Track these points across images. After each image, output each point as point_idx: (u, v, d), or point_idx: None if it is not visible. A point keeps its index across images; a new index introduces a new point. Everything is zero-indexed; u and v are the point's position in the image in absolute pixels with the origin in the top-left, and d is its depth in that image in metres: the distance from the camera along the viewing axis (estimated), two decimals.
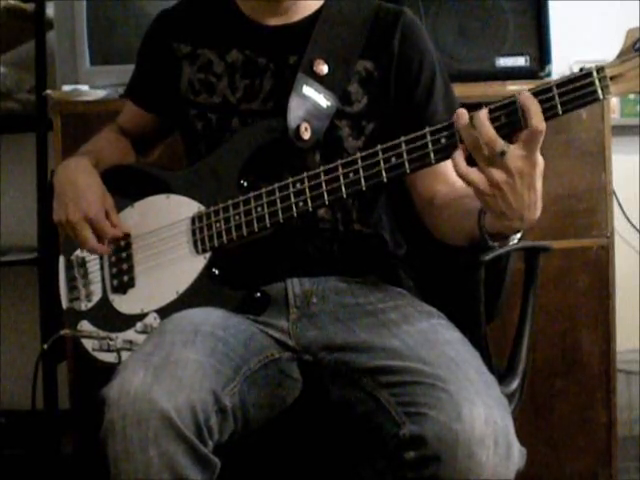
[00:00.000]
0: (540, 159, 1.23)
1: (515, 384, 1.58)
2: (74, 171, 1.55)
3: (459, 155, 1.26)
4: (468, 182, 1.25)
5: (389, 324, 1.40)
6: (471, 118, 1.24)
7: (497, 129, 1.22)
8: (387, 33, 1.52)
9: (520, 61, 2.18)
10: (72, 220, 1.51)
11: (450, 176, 1.48)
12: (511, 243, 1.34)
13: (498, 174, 1.22)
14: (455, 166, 1.26)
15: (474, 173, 1.24)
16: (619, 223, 2.50)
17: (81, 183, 1.53)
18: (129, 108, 1.72)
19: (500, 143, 1.21)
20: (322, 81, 1.49)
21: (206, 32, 1.57)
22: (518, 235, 1.33)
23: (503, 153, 1.21)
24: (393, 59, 1.52)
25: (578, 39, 2.55)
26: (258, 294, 1.46)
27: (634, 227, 2.64)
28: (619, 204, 2.53)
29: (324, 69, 1.50)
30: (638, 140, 2.63)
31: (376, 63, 1.52)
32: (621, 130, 2.51)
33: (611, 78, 1.20)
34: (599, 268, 2.18)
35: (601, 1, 2.58)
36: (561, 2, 2.41)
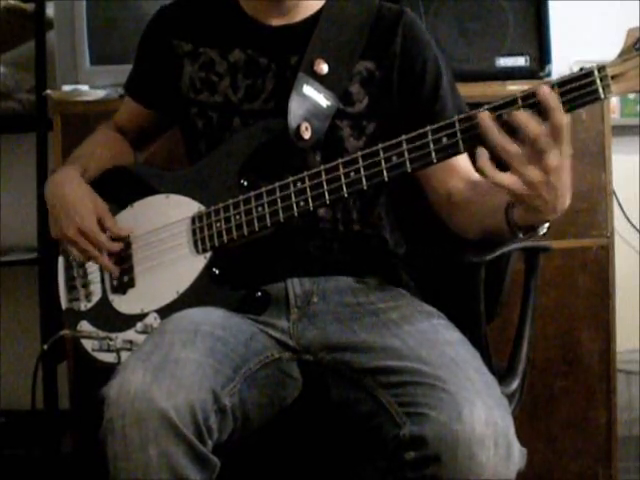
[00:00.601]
0: (569, 149, 1.22)
1: (515, 384, 1.58)
2: (62, 185, 1.55)
3: (486, 159, 1.23)
4: (501, 186, 1.23)
5: (389, 324, 1.40)
6: (499, 119, 1.22)
7: None
8: (388, 33, 1.52)
9: (520, 61, 2.18)
10: (67, 235, 1.52)
11: (464, 170, 1.48)
12: (541, 233, 1.32)
13: (535, 173, 1.20)
14: (484, 172, 1.23)
15: (508, 177, 1.22)
16: (619, 223, 2.50)
17: (70, 196, 1.53)
18: (127, 104, 1.71)
19: (545, 139, 1.19)
20: (322, 81, 1.49)
21: (208, 31, 1.56)
22: (547, 225, 1.31)
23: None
24: (395, 59, 1.52)
25: (578, 39, 2.55)
26: (259, 294, 1.46)
27: (634, 227, 2.63)
28: (619, 204, 2.53)
29: (324, 69, 1.50)
30: (638, 140, 2.63)
31: (378, 63, 1.52)
32: (621, 130, 2.51)
33: (612, 77, 1.20)
34: (599, 268, 2.18)
35: (601, 1, 2.58)
36: (561, 2, 2.41)
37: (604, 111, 2.16)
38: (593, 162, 2.16)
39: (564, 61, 2.39)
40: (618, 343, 2.21)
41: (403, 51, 1.52)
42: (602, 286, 2.18)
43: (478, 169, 1.24)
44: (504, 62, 2.18)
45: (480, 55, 2.18)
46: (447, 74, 1.55)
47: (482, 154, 1.23)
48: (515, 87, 2.10)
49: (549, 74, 2.19)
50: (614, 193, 2.27)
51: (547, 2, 2.19)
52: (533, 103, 1.21)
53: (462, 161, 1.44)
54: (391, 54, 1.52)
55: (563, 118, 1.19)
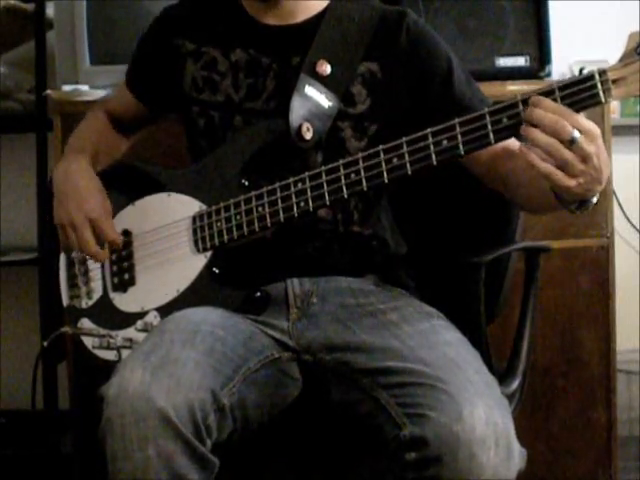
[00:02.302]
0: (596, 129, 1.23)
1: (515, 384, 1.58)
2: (75, 173, 1.55)
3: (534, 156, 1.24)
4: (546, 177, 1.25)
5: (389, 325, 1.40)
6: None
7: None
8: (392, 34, 1.52)
9: (520, 61, 2.18)
10: (75, 222, 1.51)
11: (506, 148, 1.45)
12: (594, 201, 1.31)
13: (580, 167, 1.22)
14: (534, 162, 1.24)
15: (557, 172, 1.23)
16: (619, 223, 2.49)
17: (82, 186, 1.53)
18: (124, 95, 1.70)
19: (570, 130, 1.21)
20: (324, 82, 1.49)
21: (211, 30, 1.57)
22: (597, 195, 1.30)
23: (573, 141, 1.21)
24: (401, 59, 1.51)
25: (578, 39, 2.55)
26: (258, 294, 1.46)
27: (634, 227, 2.63)
28: (619, 204, 2.53)
29: (327, 70, 1.50)
30: (638, 140, 2.62)
31: (381, 65, 1.51)
32: (621, 130, 2.51)
33: (613, 81, 1.21)
34: (599, 268, 2.18)
35: (601, 1, 2.58)
36: (561, 2, 2.41)
37: (604, 111, 2.15)
38: None
39: (564, 61, 2.40)
40: (618, 343, 2.21)
41: (409, 50, 1.51)
42: (602, 286, 2.18)
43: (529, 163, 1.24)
44: (504, 62, 2.18)
45: (480, 55, 2.18)
46: (460, 65, 1.54)
47: (527, 149, 1.25)
48: (515, 87, 2.10)
49: (549, 74, 2.19)
50: (614, 193, 2.26)
51: (547, 2, 2.19)
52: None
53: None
54: (396, 55, 1.51)
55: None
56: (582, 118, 1.22)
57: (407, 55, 1.52)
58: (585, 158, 1.22)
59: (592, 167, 1.23)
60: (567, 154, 1.22)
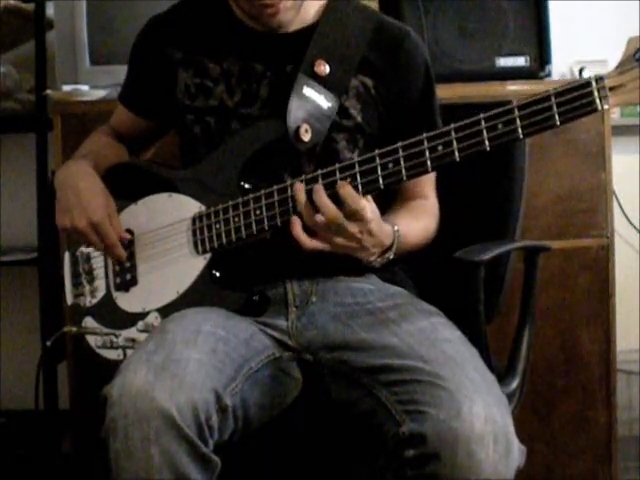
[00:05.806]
0: (373, 212, 1.34)
1: (515, 384, 1.58)
2: (75, 175, 1.55)
3: (299, 228, 1.35)
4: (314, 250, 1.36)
5: (388, 323, 1.40)
6: (309, 193, 1.33)
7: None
8: (390, 54, 1.53)
9: (520, 61, 2.18)
10: (78, 227, 1.51)
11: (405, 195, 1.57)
12: (376, 265, 1.45)
13: (338, 240, 1.35)
14: (299, 240, 1.35)
15: (318, 244, 1.37)
16: (619, 223, 2.49)
17: (84, 188, 1.52)
18: (123, 113, 1.70)
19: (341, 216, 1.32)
20: (323, 82, 1.49)
21: (201, 38, 1.56)
22: (378, 260, 1.43)
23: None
24: (394, 81, 1.53)
25: (578, 39, 2.55)
26: (256, 297, 1.46)
27: (634, 227, 2.63)
28: (619, 204, 2.53)
29: (325, 69, 1.50)
30: (638, 140, 2.62)
31: (375, 81, 1.52)
32: (621, 130, 2.50)
33: (610, 89, 1.18)
34: (599, 268, 2.18)
35: (601, 1, 2.58)
36: (561, 2, 2.41)
37: (604, 111, 2.15)
38: (593, 162, 2.16)
39: (564, 61, 2.40)
40: (618, 343, 2.21)
41: (401, 75, 1.53)
42: (602, 286, 2.18)
43: (293, 237, 1.35)
44: (504, 62, 2.18)
45: (480, 55, 2.18)
46: (435, 95, 1.58)
47: (295, 223, 1.35)
48: (515, 87, 2.10)
49: (549, 74, 2.19)
50: (614, 193, 2.26)
51: (547, 2, 2.19)
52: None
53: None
54: (390, 75, 1.53)
55: (358, 203, 1.31)
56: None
57: (398, 80, 1.53)
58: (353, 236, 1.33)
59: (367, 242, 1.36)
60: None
